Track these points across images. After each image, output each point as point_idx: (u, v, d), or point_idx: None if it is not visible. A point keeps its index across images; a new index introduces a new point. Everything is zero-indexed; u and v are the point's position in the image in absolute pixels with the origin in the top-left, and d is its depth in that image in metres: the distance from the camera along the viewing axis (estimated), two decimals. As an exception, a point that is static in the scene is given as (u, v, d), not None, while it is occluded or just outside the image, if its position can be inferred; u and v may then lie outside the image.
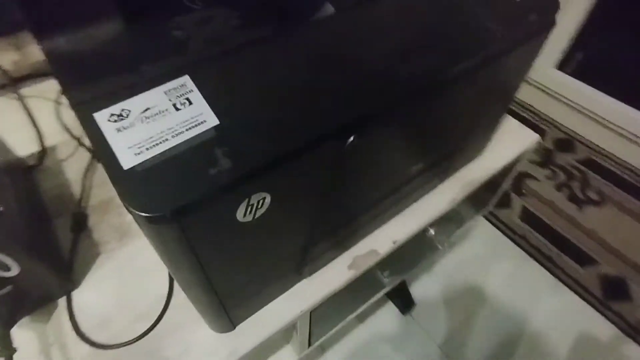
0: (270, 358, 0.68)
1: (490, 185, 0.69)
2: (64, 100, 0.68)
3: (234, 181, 0.26)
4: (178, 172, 0.25)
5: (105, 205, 0.55)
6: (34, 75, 0.68)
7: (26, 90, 0.64)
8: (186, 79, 0.28)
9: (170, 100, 0.27)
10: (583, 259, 1.10)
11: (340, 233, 0.45)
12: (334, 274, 0.50)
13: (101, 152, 0.25)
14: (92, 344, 0.43)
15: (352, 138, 0.31)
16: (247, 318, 0.45)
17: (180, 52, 0.30)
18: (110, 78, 0.28)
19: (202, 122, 0.27)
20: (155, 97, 0.27)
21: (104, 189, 0.57)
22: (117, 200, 0.56)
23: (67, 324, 0.45)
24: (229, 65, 0.30)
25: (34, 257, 0.41)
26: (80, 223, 0.52)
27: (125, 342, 0.43)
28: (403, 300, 1.04)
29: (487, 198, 0.79)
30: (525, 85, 0.95)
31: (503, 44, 0.38)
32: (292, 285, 0.48)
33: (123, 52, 0.30)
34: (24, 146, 0.59)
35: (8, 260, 0.39)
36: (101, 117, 0.26)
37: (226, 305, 0.40)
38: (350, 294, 0.62)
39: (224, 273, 0.34)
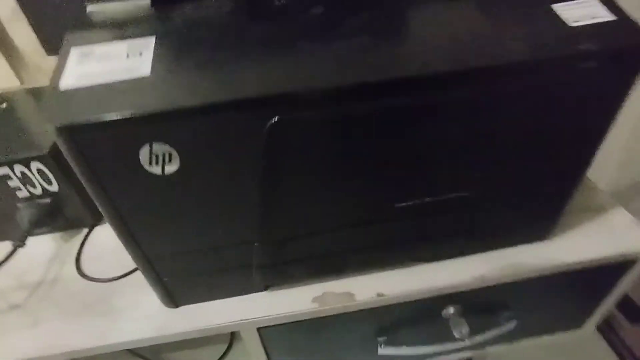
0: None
1: (575, 290, 0.52)
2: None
3: (136, 117, 0.28)
4: (91, 100, 0.29)
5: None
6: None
7: None
8: (151, 39, 0.33)
9: (127, 51, 0.32)
10: None
11: (300, 250, 0.41)
12: (295, 300, 0.45)
13: (55, 74, 0.31)
14: (78, 269, 0.50)
15: (275, 119, 0.30)
16: (193, 302, 0.45)
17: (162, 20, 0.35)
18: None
19: (136, 70, 0.31)
20: (120, 48, 0.33)
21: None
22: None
23: (76, 249, 0.53)
24: (195, 34, 0.34)
25: (73, 186, 0.51)
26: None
27: (97, 278, 0.49)
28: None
29: (570, 311, 0.59)
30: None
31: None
32: (250, 291, 0.46)
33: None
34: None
35: (51, 176, 0.50)
36: (75, 51, 0.33)
37: (161, 274, 0.41)
38: (335, 346, 0.54)
39: (147, 230, 0.36)
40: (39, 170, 0.49)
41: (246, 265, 0.42)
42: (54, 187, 0.51)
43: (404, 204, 0.39)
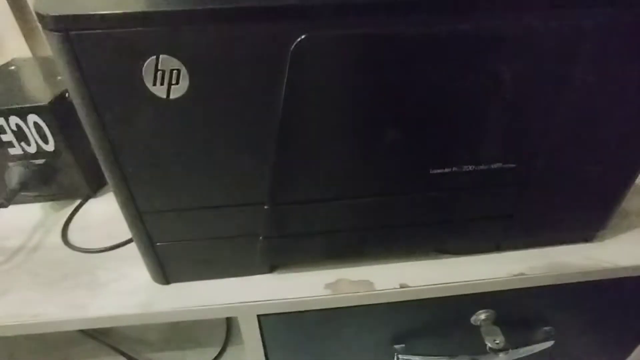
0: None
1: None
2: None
3: (134, 15, 0.24)
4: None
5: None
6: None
7: None
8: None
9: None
10: None
11: (315, 220, 0.36)
12: (305, 284, 0.39)
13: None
14: (63, 238, 0.45)
15: (302, 37, 0.25)
16: (187, 280, 0.39)
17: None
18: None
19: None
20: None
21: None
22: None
23: (65, 218, 0.48)
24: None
25: (71, 149, 0.47)
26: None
27: (81, 248, 0.43)
28: None
29: (617, 337, 0.51)
30: None
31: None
32: (254, 272, 0.39)
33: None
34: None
35: (48, 133, 0.45)
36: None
37: (153, 237, 0.35)
38: (343, 352, 0.47)
39: (142, 172, 0.31)
40: (35, 124, 0.45)
41: (251, 235, 0.36)
42: (50, 147, 0.46)
43: (440, 171, 0.34)
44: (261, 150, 0.30)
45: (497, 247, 0.42)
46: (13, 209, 0.47)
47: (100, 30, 0.25)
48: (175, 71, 0.26)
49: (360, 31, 0.26)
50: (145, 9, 0.24)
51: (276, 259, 0.39)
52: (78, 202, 0.51)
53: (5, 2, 0.75)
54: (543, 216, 0.40)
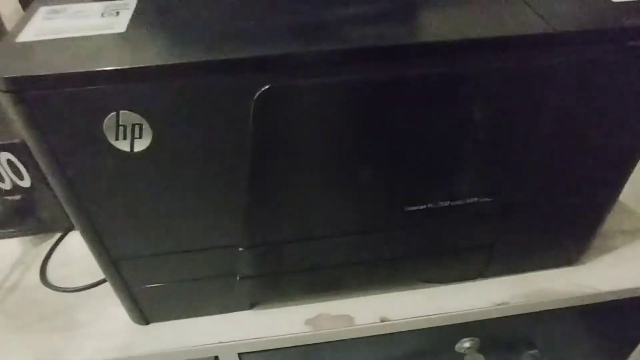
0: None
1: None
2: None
3: (97, 73, 0.23)
4: (51, 54, 0.24)
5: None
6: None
7: None
8: (132, 1, 0.29)
9: (103, 10, 0.28)
10: None
11: (291, 259, 0.35)
12: (285, 321, 0.38)
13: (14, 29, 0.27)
14: (42, 277, 0.44)
15: (265, 87, 0.25)
16: (166, 319, 0.39)
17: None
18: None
19: (109, 27, 0.26)
20: (95, 7, 0.29)
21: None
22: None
23: (45, 254, 0.47)
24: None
25: (47, 182, 0.46)
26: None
27: (61, 287, 0.42)
28: None
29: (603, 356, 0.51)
30: None
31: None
32: (233, 309, 0.39)
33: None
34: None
35: (22, 170, 0.45)
36: (44, 9, 0.29)
37: (129, 281, 0.35)
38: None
39: (112, 223, 0.30)
40: (8, 162, 0.44)
41: (228, 275, 0.36)
42: (26, 182, 0.46)
43: (415, 208, 0.33)
44: (230, 197, 0.30)
45: (480, 274, 0.42)
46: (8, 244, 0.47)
47: (56, 90, 0.24)
48: (137, 125, 0.26)
49: (323, 80, 0.26)
50: (100, 67, 0.24)
51: (255, 297, 0.39)
52: (58, 235, 0.50)
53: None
54: (524, 244, 0.39)
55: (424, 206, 0.33)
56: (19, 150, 0.43)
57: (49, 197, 0.47)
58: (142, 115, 0.25)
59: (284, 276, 0.36)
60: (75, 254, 0.47)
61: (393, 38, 0.26)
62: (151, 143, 0.27)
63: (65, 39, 0.26)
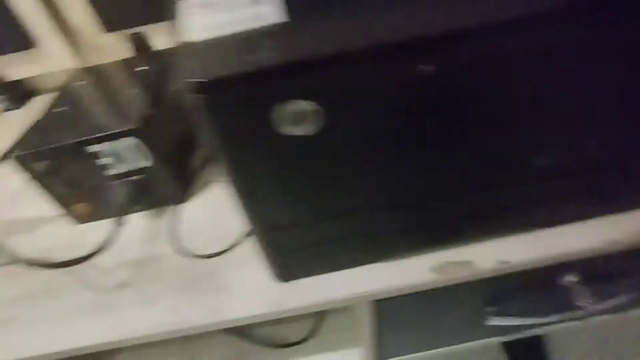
0: (335, 351, 0.62)
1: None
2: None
3: (272, 68, 0.25)
4: (225, 52, 0.26)
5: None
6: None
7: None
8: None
9: (254, -1, 0.29)
10: None
11: (425, 217, 0.38)
12: (412, 270, 0.42)
13: (178, 27, 0.28)
14: (178, 247, 0.49)
15: (433, 67, 0.26)
16: (305, 276, 0.43)
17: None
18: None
19: (267, 17, 0.27)
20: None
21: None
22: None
23: (169, 226, 0.51)
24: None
25: (165, 163, 0.50)
26: (210, 158, 0.61)
27: (199, 254, 0.47)
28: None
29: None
30: None
31: None
32: (362, 262, 0.43)
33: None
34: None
35: (146, 154, 0.48)
36: (194, 3, 0.29)
37: (278, 246, 0.38)
38: (444, 323, 0.52)
39: (272, 196, 0.34)
40: (130, 145, 0.47)
41: (365, 235, 0.39)
42: (146, 162, 0.49)
43: (543, 162, 0.35)
44: (388, 169, 0.32)
45: (590, 215, 0.44)
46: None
47: (239, 87, 0.26)
48: (309, 112, 0.28)
49: (487, 51, 0.26)
50: (279, 61, 0.25)
51: (391, 252, 0.42)
52: (172, 208, 0.54)
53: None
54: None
55: (552, 159, 0.35)
56: (144, 133, 0.46)
57: (166, 174, 0.51)
58: (315, 102, 0.27)
59: (418, 231, 0.40)
60: (196, 225, 0.51)
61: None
62: (320, 127, 0.28)
63: (232, 34, 0.27)
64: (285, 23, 0.27)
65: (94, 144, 0.46)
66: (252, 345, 0.61)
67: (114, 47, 0.82)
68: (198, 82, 0.25)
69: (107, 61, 0.83)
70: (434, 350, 0.56)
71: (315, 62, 0.25)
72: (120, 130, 0.45)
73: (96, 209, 0.53)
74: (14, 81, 0.84)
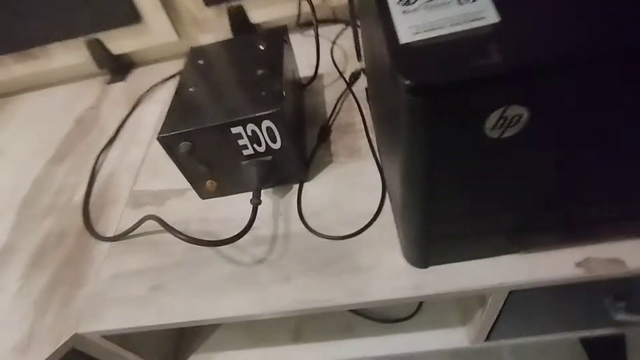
0: (439, 329, 0.64)
1: None
2: (338, 42, 0.80)
3: (501, 75, 0.24)
4: (447, 55, 0.25)
5: (346, 128, 0.62)
6: (326, 20, 0.85)
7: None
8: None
9: (457, -5, 0.28)
10: None
11: (576, 210, 0.37)
12: (554, 263, 0.42)
13: (385, 28, 0.28)
14: (306, 226, 0.51)
15: None
16: (441, 263, 0.44)
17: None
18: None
19: (481, 18, 0.26)
20: (444, -10, 0.28)
21: (349, 114, 0.64)
22: (356, 125, 0.63)
23: (294, 204, 0.54)
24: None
25: (292, 143, 0.51)
26: (324, 135, 0.62)
27: (331, 235, 0.49)
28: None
29: None
30: None
31: None
32: (500, 252, 0.43)
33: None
34: (304, 70, 0.73)
35: (277, 136, 0.49)
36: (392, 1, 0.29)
37: (430, 236, 0.39)
38: (560, 309, 0.52)
39: (444, 192, 0.34)
40: (267, 128, 0.49)
41: (512, 229, 0.39)
42: (277, 144, 0.51)
43: None
44: (572, 171, 0.32)
45: None
46: (245, 199, 0.55)
47: (463, 93, 0.26)
48: (516, 116, 0.27)
49: None
50: (514, 67, 0.24)
51: (527, 244, 0.42)
52: (294, 186, 0.56)
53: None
54: None
55: None
56: (277, 117, 0.47)
57: (293, 155, 0.53)
58: (528, 107, 0.26)
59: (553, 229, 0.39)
60: (319, 205, 0.53)
61: None
62: (519, 130, 0.28)
63: (445, 35, 0.26)
64: (499, 22, 0.26)
65: (237, 126, 0.47)
66: (358, 318, 0.64)
67: (213, 21, 0.83)
68: (422, 86, 0.25)
69: (207, 34, 0.84)
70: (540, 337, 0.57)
71: (546, 69, 0.24)
72: (263, 113, 0.47)
73: (222, 186, 0.56)
74: (118, 55, 0.88)
